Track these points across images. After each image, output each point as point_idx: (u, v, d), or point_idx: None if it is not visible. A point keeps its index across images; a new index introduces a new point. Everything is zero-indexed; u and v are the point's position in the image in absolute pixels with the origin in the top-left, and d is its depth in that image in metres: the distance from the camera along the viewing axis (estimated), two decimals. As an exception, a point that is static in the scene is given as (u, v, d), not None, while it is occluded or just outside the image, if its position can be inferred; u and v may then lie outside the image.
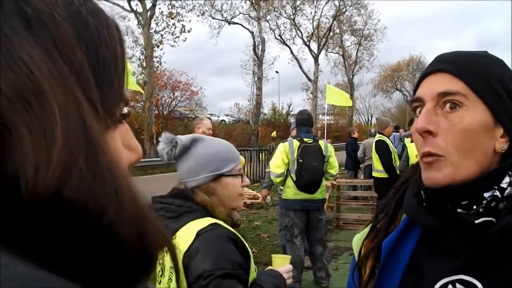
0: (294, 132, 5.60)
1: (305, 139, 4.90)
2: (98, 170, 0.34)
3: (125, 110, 0.44)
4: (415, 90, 0.88)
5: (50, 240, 0.32)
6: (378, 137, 6.66)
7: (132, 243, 0.36)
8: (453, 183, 0.79)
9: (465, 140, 0.78)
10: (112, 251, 0.35)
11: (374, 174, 6.79)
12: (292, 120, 7.10)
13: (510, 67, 0.87)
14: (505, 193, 0.78)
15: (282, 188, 5.06)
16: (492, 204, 0.77)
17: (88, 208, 0.33)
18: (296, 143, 4.86)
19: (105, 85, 0.39)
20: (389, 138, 6.72)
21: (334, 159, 5.09)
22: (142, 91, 7.46)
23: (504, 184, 0.78)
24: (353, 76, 40.85)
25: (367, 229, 0.98)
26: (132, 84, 8.72)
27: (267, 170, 5.76)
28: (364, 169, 9.81)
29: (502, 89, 0.80)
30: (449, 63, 0.83)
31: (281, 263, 1.66)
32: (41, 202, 0.31)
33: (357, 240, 1.00)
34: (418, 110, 0.85)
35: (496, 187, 0.78)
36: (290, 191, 4.85)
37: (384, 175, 6.40)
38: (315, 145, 4.91)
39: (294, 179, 4.82)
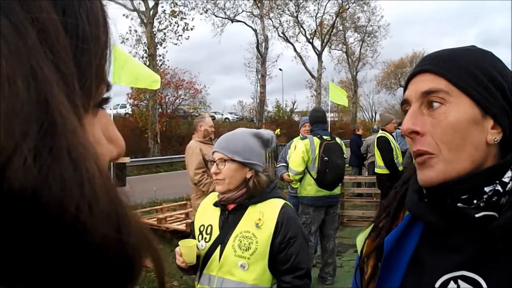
0: (303, 130, 5.60)
1: (324, 137, 4.90)
2: (58, 155, 0.28)
3: (107, 94, 0.38)
4: (404, 92, 0.89)
5: None
6: (380, 133, 6.67)
7: (106, 246, 0.30)
8: (448, 179, 0.79)
9: (454, 135, 0.79)
10: (78, 255, 0.29)
11: (376, 170, 6.80)
12: (298, 117, 7.07)
13: (510, 65, 0.87)
14: (507, 188, 0.77)
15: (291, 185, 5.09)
16: (494, 199, 0.77)
17: (42, 201, 0.27)
18: (316, 140, 4.85)
19: (84, 60, 0.33)
20: (392, 135, 6.72)
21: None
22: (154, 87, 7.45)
23: (506, 179, 0.78)
24: (356, 73, 40.74)
25: (370, 228, 0.99)
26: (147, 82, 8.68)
27: (277, 166, 5.73)
28: (368, 166, 9.81)
29: (488, 80, 0.80)
30: (432, 62, 0.84)
31: (184, 251, 1.88)
32: None
33: (361, 238, 1.01)
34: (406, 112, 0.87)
35: (497, 182, 0.78)
36: (312, 189, 4.85)
37: (385, 171, 6.40)
38: (335, 142, 4.95)
39: (315, 176, 4.80)
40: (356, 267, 0.98)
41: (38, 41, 0.29)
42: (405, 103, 0.87)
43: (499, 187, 0.78)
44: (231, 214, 1.93)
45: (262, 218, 1.85)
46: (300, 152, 4.83)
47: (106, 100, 0.38)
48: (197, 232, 2.00)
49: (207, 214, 2.02)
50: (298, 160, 4.83)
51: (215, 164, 1.91)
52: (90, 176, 0.30)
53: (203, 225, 1.99)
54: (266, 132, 2.02)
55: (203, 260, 1.93)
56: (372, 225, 0.99)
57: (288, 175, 5.12)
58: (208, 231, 1.95)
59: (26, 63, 0.28)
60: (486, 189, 0.78)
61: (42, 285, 0.28)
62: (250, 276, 1.81)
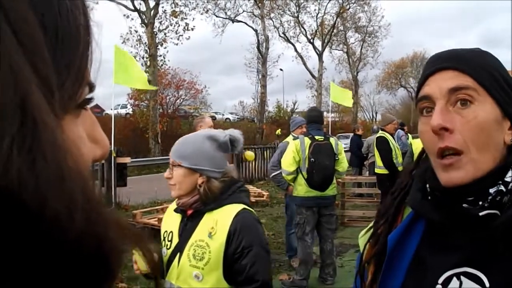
0: (298, 131, 5.62)
1: (316, 137, 4.89)
2: (38, 153, 0.28)
3: (90, 95, 0.38)
4: (418, 89, 0.88)
5: None
6: (379, 133, 6.69)
7: (82, 244, 0.30)
8: (474, 179, 0.80)
9: (482, 135, 0.79)
10: (54, 253, 0.29)
11: (376, 170, 6.82)
12: (292, 117, 7.06)
13: (510, 65, 0.88)
14: (509, 187, 0.79)
15: (292, 184, 5.11)
16: (497, 199, 0.78)
17: (22, 197, 0.27)
18: (307, 141, 4.85)
19: (63, 63, 0.33)
20: (392, 135, 6.73)
21: (344, 157, 5.14)
22: (153, 87, 7.42)
23: (508, 178, 0.79)
24: (357, 73, 40.74)
25: (370, 233, 0.99)
26: (143, 83, 8.66)
27: (274, 174, 5.76)
28: (369, 166, 9.81)
29: (504, 82, 0.81)
30: (454, 61, 0.83)
31: (138, 258, 1.80)
32: None
33: (362, 241, 1.01)
34: (425, 109, 0.85)
35: (500, 182, 0.79)
36: (302, 189, 4.86)
37: (385, 171, 6.41)
38: (327, 143, 4.92)
39: (305, 176, 4.82)
40: (356, 273, 0.99)
41: (15, 40, 0.29)
42: (424, 99, 0.85)
43: (502, 187, 0.79)
44: (189, 221, 1.86)
45: (215, 227, 1.75)
46: (290, 152, 4.84)
47: (88, 101, 0.38)
48: (162, 239, 1.96)
49: (170, 220, 1.97)
50: (289, 160, 4.85)
51: (168, 168, 1.85)
52: (67, 175, 0.29)
53: (166, 231, 1.96)
54: (223, 135, 1.88)
55: (166, 267, 1.87)
56: (371, 231, 0.99)
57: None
58: (170, 238, 1.91)
59: (4, 62, 0.28)
60: (491, 190, 0.79)
61: (15, 284, 0.28)
62: (204, 287, 1.72)
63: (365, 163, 10.60)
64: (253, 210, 1.87)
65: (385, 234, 0.92)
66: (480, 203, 0.79)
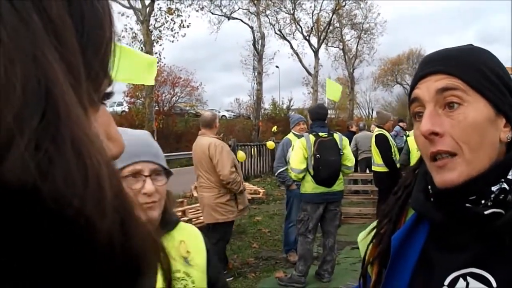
0: (297, 128, 5.71)
1: (320, 134, 4.94)
2: (60, 146, 0.26)
3: (110, 89, 0.37)
4: (410, 92, 0.88)
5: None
6: (378, 131, 6.66)
7: (112, 245, 0.28)
8: (469, 179, 0.79)
9: (474, 135, 0.78)
10: (83, 252, 0.27)
11: (374, 168, 6.81)
12: (291, 114, 7.16)
13: (510, 63, 0.87)
14: None
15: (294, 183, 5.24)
16: (501, 197, 0.78)
17: (42, 194, 0.25)
18: (312, 138, 4.90)
19: (89, 51, 0.32)
20: (389, 133, 6.73)
21: (349, 151, 5.19)
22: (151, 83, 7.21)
23: (511, 176, 0.79)
24: (353, 70, 40.69)
25: (372, 234, 0.98)
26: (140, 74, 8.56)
27: (280, 170, 5.77)
28: (360, 162, 9.76)
29: (497, 79, 0.81)
30: (442, 63, 0.83)
31: None
32: None
33: (363, 244, 1.00)
34: (417, 114, 0.85)
35: (503, 180, 0.78)
36: (309, 185, 4.91)
37: (384, 169, 6.41)
38: (331, 139, 4.98)
39: (312, 173, 4.87)
40: (360, 275, 0.98)
41: (43, 29, 0.27)
42: (415, 101, 0.85)
43: (505, 185, 0.78)
44: None
45: (190, 250, 1.36)
46: (299, 150, 4.88)
47: (109, 95, 0.37)
48: None
49: None
50: (299, 158, 4.86)
51: (145, 180, 1.25)
52: (96, 169, 0.28)
53: None
54: None
55: None
56: (374, 231, 0.98)
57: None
58: None
59: (27, 50, 0.26)
60: (493, 188, 0.78)
61: (45, 284, 0.27)
62: None
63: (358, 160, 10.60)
64: None
65: (388, 234, 0.92)
66: (483, 201, 0.78)
